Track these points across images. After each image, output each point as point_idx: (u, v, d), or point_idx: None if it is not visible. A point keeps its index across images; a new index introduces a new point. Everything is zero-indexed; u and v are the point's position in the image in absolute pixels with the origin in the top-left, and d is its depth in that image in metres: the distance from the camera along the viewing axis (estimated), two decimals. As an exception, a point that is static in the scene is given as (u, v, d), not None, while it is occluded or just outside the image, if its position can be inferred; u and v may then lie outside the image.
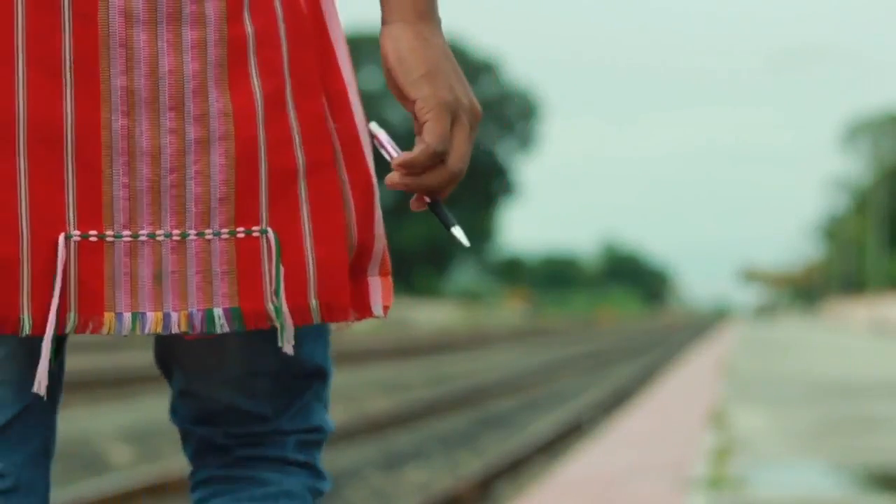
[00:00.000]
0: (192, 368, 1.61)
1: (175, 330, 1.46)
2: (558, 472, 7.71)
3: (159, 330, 1.46)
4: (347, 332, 39.89)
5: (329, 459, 10.42)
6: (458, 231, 1.52)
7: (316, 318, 1.48)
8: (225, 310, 1.46)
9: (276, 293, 1.46)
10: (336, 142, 1.50)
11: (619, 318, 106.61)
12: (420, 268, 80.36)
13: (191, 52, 1.44)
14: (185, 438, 1.69)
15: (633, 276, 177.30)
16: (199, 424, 1.66)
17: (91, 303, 1.44)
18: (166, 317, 1.46)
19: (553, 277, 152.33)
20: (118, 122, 1.43)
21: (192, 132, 1.44)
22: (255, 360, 1.59)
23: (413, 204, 1.52)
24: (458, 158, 1.48)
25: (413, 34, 1.49)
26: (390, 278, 1.56)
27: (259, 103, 1.45)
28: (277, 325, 1.47)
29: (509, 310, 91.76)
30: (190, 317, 1.46)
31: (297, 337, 1.55)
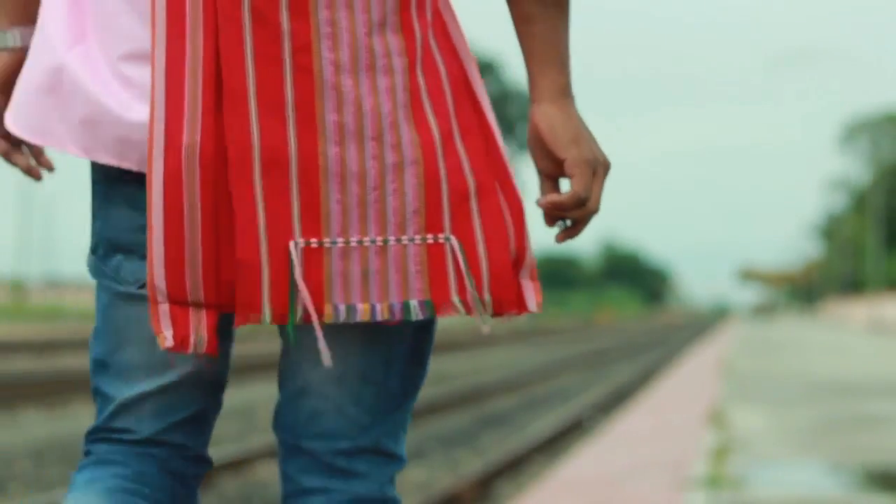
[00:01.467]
0: (316, 367, 1.91)
1: (379, 318, 1.81)
2: (558, 470, 7.74)
3: (367, 318, 1.81)
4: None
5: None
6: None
7: (489, 310, 1.85)
8: (419, 301, 1.83)
9: (472, 286, 1.83)
10: (493, 175, 1.89)
11: (619, 318, 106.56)
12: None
13: (385, 95, 1.82)
14: (291, 454, 1.96)
15: (632, 276, 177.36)
16: (306, 437, 1.95)
17: (315, 296, 1.80)
18: (372, 308, 1.81)
19: (553, 277, 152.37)
20: (332, 150, 1.80)
21: (389, 158, 1.82)
22: (368, 368, 1.92)
23: (558, 238, 1.96)
24: (596, 202, 1.93)
25: (558, 110, 1.93)
26: (538, 282, 1.91)
27: (437, 138, 1.85)
28: (479, 311, 1.84)
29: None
30: (391, 307, 1.82)
31: (398, 357, 1.93)
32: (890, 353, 30.33)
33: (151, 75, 1.81)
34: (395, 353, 1.93)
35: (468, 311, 1.84)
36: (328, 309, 1.80)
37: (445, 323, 63.45)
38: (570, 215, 1.93)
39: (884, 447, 8.97)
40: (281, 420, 1.97)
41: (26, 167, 2.05)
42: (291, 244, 1.78)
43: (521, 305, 1.88)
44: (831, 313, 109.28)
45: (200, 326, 1.82)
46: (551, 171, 1.93)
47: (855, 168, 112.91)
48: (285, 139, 1.79)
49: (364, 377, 1.92)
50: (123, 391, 1.94)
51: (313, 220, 1.79)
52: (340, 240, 1.80)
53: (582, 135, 1.92)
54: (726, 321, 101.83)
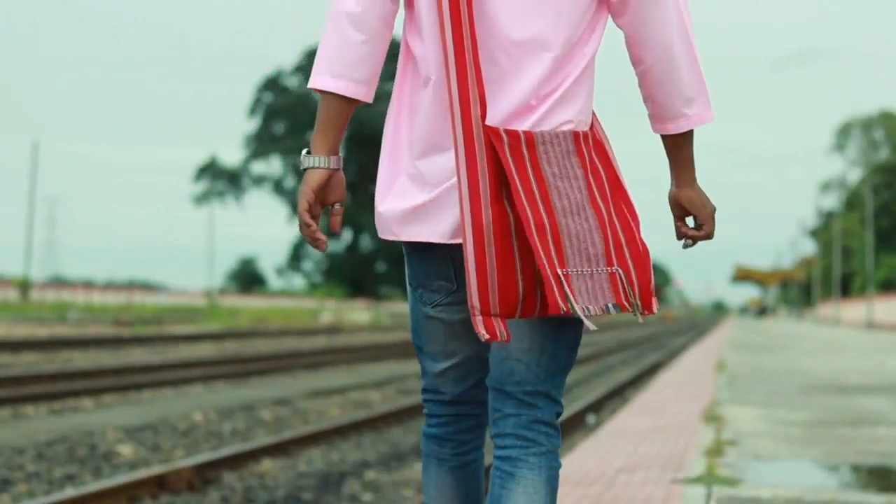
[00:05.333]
0: (513, 343, 3.19)
1: (595, 314, 3.07)
2: (558, 467, 7.78)
3: (597, 314, 3.08)
4: (352, 331, 40.02)
5: (330, 456, 10.51)
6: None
7: (638, 311, 3.13)
8: (613, 304, 3.10)
9: (630, 296, 3.13)
10: (635, 232, 3.18)
11: (616, 318, 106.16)
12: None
13: (577, 190, 3.11)
14: (496, 395, 3.24)
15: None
16: (507, 384, 3.22)
17: (556, 300, 3.04)
18: (588, 308, 3.06)
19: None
20: (563, 221, 3.07)
21: (585, 225, 3.10)
22: (545, 342, 3.22)
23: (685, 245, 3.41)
24: (713, 230, 3.40)
25: (693, 191, 3.37)
26: (655, 297, 3.20)
27: (604, 212, 3.13)
28: (635, 311, 3.14)
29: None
30: (601, 307, 3.08)
31: (563, 339, 3.22)
32: (882, 351, 30.40)
33: (458, 183, 3.06)
34: (561, 336, 3.22)
35: (632, 309, 3.12)
36: (577, 309, 3.05)
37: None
38: (703, 238, 3.40)
39: (878, 443, 9.04)
40: (492, 374, 3.24)
41: (312, 237, 3.14)
42: (560, 271, 3.04)
43: (650, 309, 3.17)
44: (825, 312, 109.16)
45: (500, 326, 3.04)
46: (682, 216, 3.39)
47: (848, 168, 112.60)
48: (542, 216, 3.04)
49: (543, 349, 3.22)
50: (433, 367, 3.35)
51: (561, 258, 3.05)
52: (574, 270, 3.06)
53: (706, 200, 3.37)
54: (723, 320, 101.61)
